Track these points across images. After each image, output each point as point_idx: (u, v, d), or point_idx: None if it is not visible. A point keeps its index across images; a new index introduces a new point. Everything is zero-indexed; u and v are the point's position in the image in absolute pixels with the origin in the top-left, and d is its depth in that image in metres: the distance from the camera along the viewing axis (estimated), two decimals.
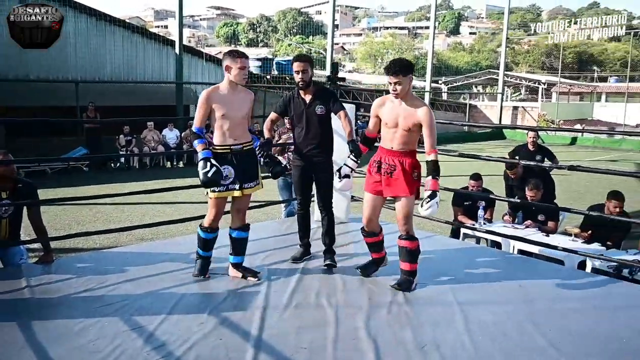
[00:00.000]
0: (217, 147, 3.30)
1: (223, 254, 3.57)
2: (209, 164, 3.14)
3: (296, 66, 3.63)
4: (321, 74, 17.98)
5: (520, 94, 36.38)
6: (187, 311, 2.95)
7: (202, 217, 3.53)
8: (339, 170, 3.56)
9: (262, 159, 3.48)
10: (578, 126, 23.48)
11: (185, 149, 12.41)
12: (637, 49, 39.48)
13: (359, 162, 3.55)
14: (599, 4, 72.68)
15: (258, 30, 66.84)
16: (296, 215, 4.04)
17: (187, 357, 2.44)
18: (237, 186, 3.33)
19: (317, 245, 3.96)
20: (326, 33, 19.96)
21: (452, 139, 19.61)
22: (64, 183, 9.63)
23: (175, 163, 13.44)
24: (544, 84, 30.77)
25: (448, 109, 27.05)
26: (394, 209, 3.43)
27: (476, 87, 36.81)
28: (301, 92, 3.70)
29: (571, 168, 4.28)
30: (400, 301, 3.16)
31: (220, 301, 3.10)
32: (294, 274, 3.58)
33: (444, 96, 31.33)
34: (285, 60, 20.94)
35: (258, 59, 21.69)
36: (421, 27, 65.47)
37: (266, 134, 3.73)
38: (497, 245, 5.01)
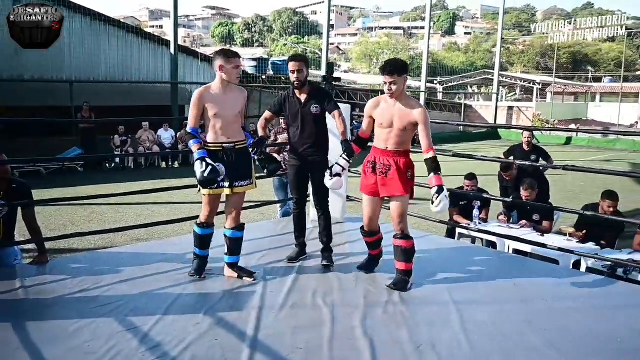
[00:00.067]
0: (209, 145, 3.30)
1: (219, 254, 3.57)
2: (204, 163, 3.15)
3: (291, 66, 3.63)
4: (316, 74, 18.02)
5: (515, 94, 36.55)
6: (182, 311, 2.94)
7: (198, 217, 3.53)
8: (330, 169, 3.56)
9: (255, 156, 3.49)
10: (573, 126, 23.61)
11: (180, 149, 12.39)
12: (630, 50, 39.71)
13: (350, 161, 3.56)
14: (592, 4, 73.10)
15: (253, 30, 66.79)
16: (292, 215, 4.04)
17: (182, 358, 2.43)
18: (227, 184, 3.33)
19: (313, 245, 3.96)
20: (321, 33, 19.95)
21: (447, 139, 19.67)
22: (59, 183, 9.58)
23: (170, 163, 13.41)
24: (539, 84, 30.91)
25: (443, 109, 27.13)
26: (389, 209, 3.44)
27: (471, 87, 36.96)
28: (296, 91, 3.71)
29: (566, 168, 4.30)
30: (396, 301, 3.17)
31: (216, 301, 3.10)
32: (289, 273, 3.58)
33: (439, 96, 31.43)
34: (280, 60, 20.89)
35: (253, 59, 21.68)
36: (416, 27, 65.67)
37: (260, 133, 3.75)
38: (493, 245, 5.02)
